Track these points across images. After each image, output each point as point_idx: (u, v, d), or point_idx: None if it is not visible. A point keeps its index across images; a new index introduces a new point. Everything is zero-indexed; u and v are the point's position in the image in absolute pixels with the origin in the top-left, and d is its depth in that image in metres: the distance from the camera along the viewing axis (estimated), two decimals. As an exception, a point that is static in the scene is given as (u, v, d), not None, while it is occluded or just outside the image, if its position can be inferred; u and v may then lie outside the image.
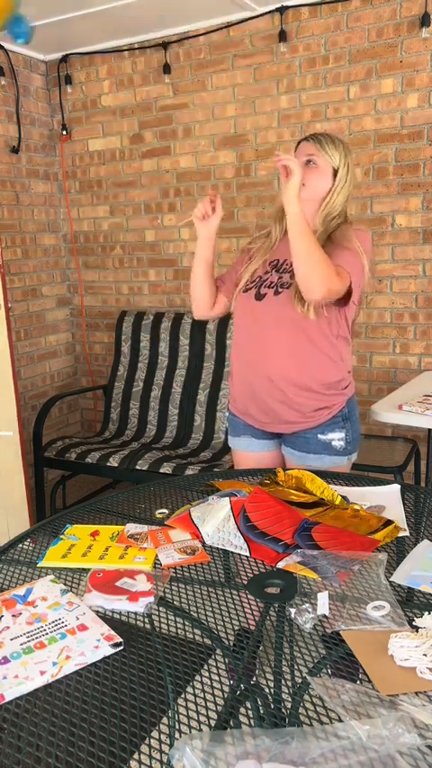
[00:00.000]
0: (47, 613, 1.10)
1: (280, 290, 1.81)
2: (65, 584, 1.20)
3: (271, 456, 1.96)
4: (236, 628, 1.08)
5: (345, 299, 1.77)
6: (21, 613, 1.10)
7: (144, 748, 0.81)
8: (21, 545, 1.39)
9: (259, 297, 1.83)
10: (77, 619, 1.08)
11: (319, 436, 1.84)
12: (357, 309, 1.88)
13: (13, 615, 1.10)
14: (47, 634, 1.04)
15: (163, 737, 0.83)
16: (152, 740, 0.82)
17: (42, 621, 1.08)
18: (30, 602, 1.14)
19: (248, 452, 1.98)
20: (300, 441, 1.86)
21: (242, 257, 1.98)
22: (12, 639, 1.03)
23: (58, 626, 1.06)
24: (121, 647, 1.01)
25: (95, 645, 1.01)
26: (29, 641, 1.03)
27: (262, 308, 1.83)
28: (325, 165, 1.78)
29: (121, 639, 1.02)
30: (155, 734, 0.83)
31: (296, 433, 1.86)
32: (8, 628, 1.07)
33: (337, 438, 1.85)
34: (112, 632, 1.04)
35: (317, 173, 1.78)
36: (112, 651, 1.00)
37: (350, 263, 1.73)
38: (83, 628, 1.05)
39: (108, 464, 2.91)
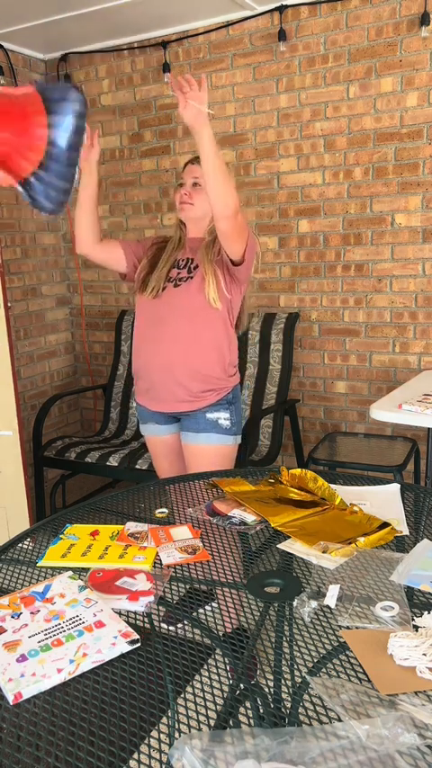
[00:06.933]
0: (65, 610, 1.10)
1: (179, 283, 2.04)
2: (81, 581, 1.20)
3: (174, 438, 2.20)
4: (234, 626, 1.08)
5: (239, 264, 1.99)
6: (39, 610, 1.11)
7: (144, 748, 0.81)
8: (20, 544, 1.39)
9: (158, 294, 2.05)
10: (95, 615, 1.08)
11: (207, 415, 2.09)
12: (244, 301, 2.14)
13: (32, 612, 1.10)
14: (64, 631, 1.05)
15: (163, 737, 0.83)
16: (152, 740, 0.82)
17: (60, 618, 1.08)
18: (48, 598, 1.14)
19: (155, 437, 2.23)
20: (191, 421, 2.10)
21: (146, 242, 2.22)
22: (30, 637, 1.04)
23: (76, 623, 1.06)
24: (138, 644, 1.01)
25: (112, 642, 1.01)
26: (46, 639, 1.03)
27: (161, 301, 2.05)
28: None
29: (138, 636, 1.02)
30: (154, 733, 0.83)
31: (189, 414, 2.10)
32: (26, 625, 1.07)
33: (223, 417, 2.10)
34: (130, 629, 1.04)
35: (204, 194, 1.99)
36: (129, 648, 1.00)
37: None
38: (100, 625, 1.06)
39: (108, 463, 2.91)
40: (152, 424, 2.21)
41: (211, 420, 2.08)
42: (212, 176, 1.83)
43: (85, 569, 1.25)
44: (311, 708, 0.86)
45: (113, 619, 1.07)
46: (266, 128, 3.07)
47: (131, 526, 1.41)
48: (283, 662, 1.00)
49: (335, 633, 1.02)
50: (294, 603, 1.08)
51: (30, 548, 1.38)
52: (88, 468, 2.99)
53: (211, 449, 2.10)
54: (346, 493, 1.53)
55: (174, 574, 1.22)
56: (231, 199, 1.85)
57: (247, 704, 0.90)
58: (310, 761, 0.75)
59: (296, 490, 1.55)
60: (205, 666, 0.98)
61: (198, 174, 2.03)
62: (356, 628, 1.02)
